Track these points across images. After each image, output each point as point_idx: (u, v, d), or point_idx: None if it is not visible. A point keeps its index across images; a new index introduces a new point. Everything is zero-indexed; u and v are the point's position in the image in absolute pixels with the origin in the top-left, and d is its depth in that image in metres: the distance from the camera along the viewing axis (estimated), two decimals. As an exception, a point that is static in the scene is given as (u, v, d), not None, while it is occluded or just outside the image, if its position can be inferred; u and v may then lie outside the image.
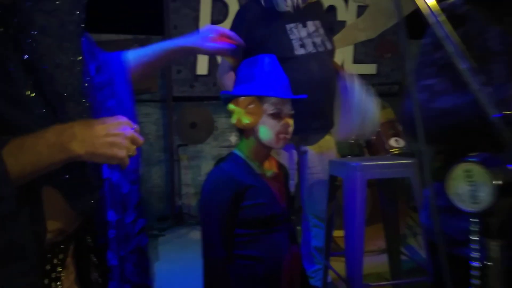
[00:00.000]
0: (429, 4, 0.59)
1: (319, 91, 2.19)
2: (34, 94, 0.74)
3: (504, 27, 1.00)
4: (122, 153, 0.77)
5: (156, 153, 4.48)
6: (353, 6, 4.58)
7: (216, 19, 4.22)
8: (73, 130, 0.73)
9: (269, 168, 1.45)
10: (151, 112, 4.42)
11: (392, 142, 3.05)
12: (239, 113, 1.36)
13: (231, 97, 1.38)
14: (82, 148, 0.72)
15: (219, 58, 4.19)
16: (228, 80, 2.30)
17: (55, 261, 0.84)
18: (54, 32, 0.77)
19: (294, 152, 2.32)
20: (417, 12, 0.64)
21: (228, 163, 1.39)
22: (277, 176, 1.46)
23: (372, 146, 3.17)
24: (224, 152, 1.47)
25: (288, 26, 2.21)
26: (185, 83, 4.31)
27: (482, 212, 0.53)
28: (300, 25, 2.24)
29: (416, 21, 0.61)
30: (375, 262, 2.86)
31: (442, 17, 0.59)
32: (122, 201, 1.09)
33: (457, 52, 0.55)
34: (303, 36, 2.22)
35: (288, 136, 1.39)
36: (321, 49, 2.25)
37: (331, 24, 2.51)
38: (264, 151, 1.42)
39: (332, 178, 2.28)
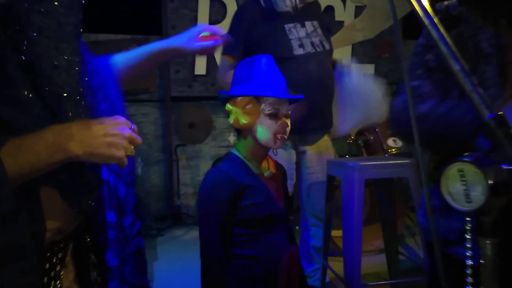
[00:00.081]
0: (423, 5, 0.60)
1: (318, 91, 2.20)
2: (32, 95, 0.74)
3: (498, 29, 1.01)
4: (120, 153, 0.77)
5: (155, 153, 4.48)
6: (351, 7, 4.59)
7: (214, 19, 4.22)
8: (71, 130, 0.73)
9: (267, 168, 1.45)
10: (150, 112, 4.42)
11: (390, 142, 3.06)
12: (237, 113, 1.36)
13: (229, 97, 1.38)
14: (80, 149, 0.73)
15: (218, 59, 4.20)
16: (229, 79, 2.32)
17: (54, 260, 0.84)
18: (51, 33, 0.77)
19: (293, 152, 2.32)
20: (414, 13, 0.65)
21: (226, 163, 1.40)
22: (274, 176, 1.47)
23: (370, 146, 3.18)
24: (223, 152, 1.48)
25: (287, 26, 2.22)
26: (184, 83, 4.31)
27: (475, 211, 0.54)
28: (299, 25, 2.25)
29: (413, 21, 0.62)
30: (373, 262, 2.87)
31: (436, 19, 0.59)
32: (119, 204, 1.09)
33: (450, 54, 0.56)
34: (301, 36, 2.23)
35: (286, 136, 1.39)
36: (319, 49, 2.26)
37: (329, 25, 2.52)
38: (261, 151, 1.42)
39: (330, 178, 2.29)
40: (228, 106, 1.38)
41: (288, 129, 1.39)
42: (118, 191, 1.11)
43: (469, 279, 0.56)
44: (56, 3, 0.78)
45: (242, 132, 1.42)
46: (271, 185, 1.42)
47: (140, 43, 4.29)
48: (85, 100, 0.87)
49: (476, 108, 0.57)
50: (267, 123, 1.35)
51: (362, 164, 2.00)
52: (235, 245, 1.35)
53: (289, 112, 1.40)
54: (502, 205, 0.54)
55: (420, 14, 0.60)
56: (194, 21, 4.20)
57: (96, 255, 0.99)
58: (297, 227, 2.76)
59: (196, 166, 4.54)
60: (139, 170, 4.24)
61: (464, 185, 0.54)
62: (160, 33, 4.18)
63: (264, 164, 1.46)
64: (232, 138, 4.49)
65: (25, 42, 0.73)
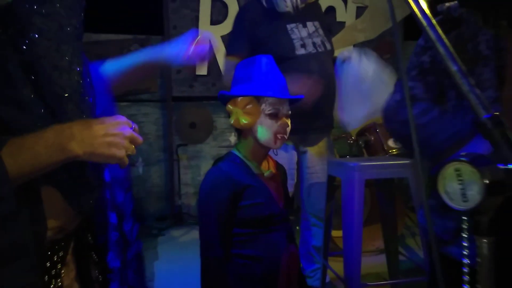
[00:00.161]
0: (421, 7, 0.61)
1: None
2: (33, 95, 0.75)
3: (497, 30, 1.02)
4: (121, 152, 0.78)
5: (156, 152, 4.49)
6: (352, 7, 4.59)
7: (216, 19, 4.23)
8: (71, 130, 0.74)
9: (267, 168, 1.46)
10: (151, 112, 4.43)
11: (391, 142, 3.07)
12: (237, 113, 1.37)
13: (229, 97, 1.39)
14: (81, 148, 0.73)
15: (219, 59, 4.20)
16: None
17: (55, 258, 0.85)
18: (52, 35, 0.77)
19: (294, 152, 2.33)
20: (412, 14, 0.65)
21: (226, 163, 1.40)
22: (275, 176, 1.47)
23: (371, 147, 3.18)
24: (224, 152, 1.48)
25: (289, 26, 2.23)
26: (185, 83, 4.32)
27: (472, 210, 0.54)
28: (300, 26, 2.25)
29: (414, 22, 0.62)
30: (373, 262, 2.87)
31: (434, 20, 0.60)
32: (118, 209, 1.10)
33: (448, 55, 0.57)
34: (303, 36, 2.24)
35: (286, 136, 1.40)
36: (321, 49, 2.26)
37: (330, 25, 2.52)
38: (262, 151, 1.43)
39: (331, 178, 2.30)
40: (229, 107, 1.39)
41: (289, 129, 1.40)
42: (116, 197, 1.11)
43: (466, 278, 0.57)
44: (57, 5, 0.78)
45: (242, 132, 1.42)
46: (271, 185, 1.42)
47: (141, 43, 4.32)
48: (86, 101, 0.87)
49: (473, 109, 0.57)
50: (267, 123, 1.36)
51: (362, 164, 2.00)
52: (235, 245, 1.35)
53: (290, 112, 1.40)
54: (498, 204, 0.55)
55: (418, 16, 0.60)
56: (195, 21, 4.20)
57: (98, 253, 0.99)
58: (297, 227, 2.76)
59: (197, 166, 4.55)
60: (140, 170, 4.25)
61: (460, 184, 0.55)
62: (162, 33, 4.19)
63: (264, 164, 1.46)
64: (233, 138, 4.50)
65: (26, 43, 0.74)
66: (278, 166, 1.55)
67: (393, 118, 1.21)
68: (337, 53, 2.40)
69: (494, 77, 1.00)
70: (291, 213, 2.89)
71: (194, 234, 3.92)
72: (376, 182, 2.51)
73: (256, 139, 1.39)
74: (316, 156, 2.37)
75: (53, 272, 0.84)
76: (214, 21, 4.22)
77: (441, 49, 0.58)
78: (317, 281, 2.42)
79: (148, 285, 2.70)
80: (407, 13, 3.60)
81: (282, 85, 1.39)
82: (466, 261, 0.57)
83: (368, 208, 3.13)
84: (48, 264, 0.83)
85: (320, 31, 2.31)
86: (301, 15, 2.26)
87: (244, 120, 1.36)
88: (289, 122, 1.40)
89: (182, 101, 4.38)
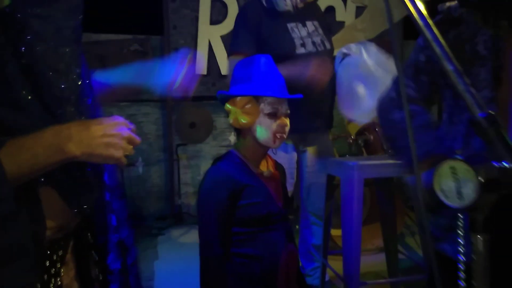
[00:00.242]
0: (418, 7, 0.61)
1: (319, 91, 2.21)
2: (31, 97, 0.75)
3: (497, 31, 1.02)
4: (118, 153, 0.78)
5: (156, 152, 4.49)
6: (351, 7, 4.60)
7: (216, 19, 4.24)
8: (69, 131, 0.74)
9: (266, 168, 1.46)
10: (151, 111, 4.43)
11: (390, 141, 3.06)
12: (236, 113, 1.37)
13: (228, 97, 1.39)
14: (79, 149, 0.74)
15: (218, 58, 4.21)
16: None
17: (55, 257, 0.85)
18: (49, 37, 0.78)
19: (294, 152, 2.33)
20: (408, 13, 0.66)
21: (225, 162, 1.41)
22: (274, 176, 1.48)
23: (370, 146, 3.18)
24: (223, 151, 1.48)
25: (289, 25, 2.23)
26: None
27: (467, 208, 0.55)
28: (300, 25, 2.26)
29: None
30: (373, 261, 2.88)
31: (430, 20, 0.61)
32: (115, 217, 1.10)
33: (443, 54, 0.57)
34: (303, 36, 2.24)
35: (285, 136, 1.40)
36: (320, 48, 2.27)
37: (330, 25, 2.52)
38: (261, 150, 1.43)
39: (330, 178, 2.30)
40: (228, 106, 1.39)
41: (287, 128, 1.40)
42: (112, 204, 1.11)
43: (462, 275, 0.57)
44: (55, 8, 0.79)
45: (241, 131, 1.43)
46: (270, 184, 1.43)
47: (141, 43, 4.31)
48: (85, 102, 0.87)
49: (469, 108, 0.58)
50: (266, 123, 1.36)
51: (361, 163, 2.00)
52: (234, 244, 1.36)
53: (288, 111, 1.41)
54: (493, 202, 0.55)
55: (414, 15, 0.61)
56: (195, 21, 4.21)
57: (98, 253, 1.00)
58: (297, 226, 2.76)
59: (196, 166, 4.55)
60: (140, 169, 4.26)
61: (456, 182, 0.55)
62: (162, 33, 4.20)
63: (263, 164, 1.47)
64: (232, 137, 4.50)
65: (24, 45, 0.74)
66: (277, 165, 1.56)
67: (384, 115, 1.23)
68: (336, 52, 2.40)
69: (491, 77, 1.01)
70: (291, 213, 2.90)
71: (194, 233, 3.93)
72: (375, 181, 2.51)
73: (255, 139, 1.39)
74: (315, 155, 2.38)
75: (52, 271, 0.85)
76: (214, 21, 4.22)
77: (437, 49, 0.58)
78: (316, 279, 2.42)
79: (148, 285, 2.71)
80: (406, 13, 3.60)
81: (281, 85, 1.39)
82: (461, 258, 0.57)
83: (367, 207, 3.14)
84: (47, 263, 0.84)
85: (320, 30, 2.31)
86: (301, 15, 2.26)
87: (243, 120, 1.36)
88: (288, 121, 1.40)
89: (182, 101, 4.38)
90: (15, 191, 0.68)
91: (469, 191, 0.54)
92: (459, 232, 0.57)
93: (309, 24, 2.29)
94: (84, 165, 0.84)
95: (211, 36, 4.21)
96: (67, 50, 0.81)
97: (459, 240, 0.58)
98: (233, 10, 4.17)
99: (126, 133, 0.80)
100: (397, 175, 2.24)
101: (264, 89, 1.35)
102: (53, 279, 0.84)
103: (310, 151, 2.38)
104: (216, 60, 4.22)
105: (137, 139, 0.83)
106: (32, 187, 0.75)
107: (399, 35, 4.63)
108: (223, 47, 4.19)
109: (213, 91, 4.28)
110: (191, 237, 3.87)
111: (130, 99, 4.25)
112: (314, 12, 2.39)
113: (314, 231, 2.43)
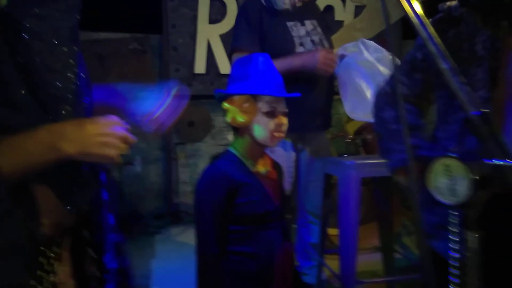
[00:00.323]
0: (413, 6, 0.62)
1: (317, 90, 2.22)
2: (28, 96, 0.75)
3: (497, 31, 1.03)
4: (113, 152, 0.78)
5: (154, 151, 4.49)
6: (350, 6, 4.60)
7: (214, 18, 4.23)
8: (64, 130, 0.74)
9: (263, 166, 1.47)
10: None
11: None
12: (234, 111, 1.38)
13: (226, 96, 1.40)
14: (73, 148, 0.74)
15: (217, 57, 4.21)
16: None
17: (50, 254, 0.85)
18: (46, 37, 0.78)
19: (292, 151, 2.34)
20: (404, 13, 0.66)
21: (223, 160, 1.41)
22: (271, 174, 1.48)
23: (368, 145, 3.19)
24: (222, 150, 1.48)
25: (289, 24, 2.24)
26: (183, 82, 4.32)
27: (460, 205, 0.55)
28: (299, 24, 2.26)
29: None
30: (370, 260, 2.88)
31: (426, 20, 0.61)
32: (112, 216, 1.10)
33: (439, 54, 0.58)
34: (302, 35, 2.25)
35: (282, 134, 1.41)
36: (319, 47, 2.27)
37: (329, 24, 2.53)
38: (258, 149, 1.44)
39: (327, 177, 2.31)
40: (225, 105, 1.40)
41: (285, 127, 1.41)
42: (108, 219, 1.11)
43: (455, 272, 0.58)
44: (51, 7, 0.79)
45: (239, 130, 1.43)
46: (267, 183, 1.43)
47: (140, 42, 4.31)
48: (81, 102, 0.87)
49: (464, 106, 0.59)
50: (264, 122, 1.36)
51: (359, 162, 2.01)
52: (230, 242, 1.37)
53: (286, 110, 1.41)
54: (486, 199, 0.56)
55: (410, 14, 0.61)
56: (194, 20, 4.21)
57: (95, 250, 1.00)
58: (293, 225, 2.77)
59: (195, 165, 4.55)
60: (138, 168, 4.25)
61: (449, 180, 0.56)
62: (160, 32, 4.19)
63: (261, 162, 1.47)
64: (231, 136, 4.50)
65: (20, 44, 0.74)
66: (275, 164, 1.56)
67: (376, 111, 1.24)
68: (334, 52, 2.40)
69: (487, 78, 1.01)
70: (289, 212, 2.90)
71: (192, 232, 3.88)
72: (372, 180, 2.52)
73: (252, 137, 1.40)
74: (313, 154, 2.38)
75: (47, 268, 0.84)
76: (213, 20, 4.23)
77: (432, 48, 0.59)
78: (313, 278, 2.43)
79: (145, 283, 2.72)
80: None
81: (279, 84, 1.40)
82: (455, 255, 0.58)
83: (365, 206, 3.14)
84: (42, 260, 0.83)
85: (318, 29, 2.32)
86: (299, 13, 2.27)
87: (240, 119, 1.37)
88: (285, 120, 1.41)
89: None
90: (9, 189, 0.68)
91: (463, 188, 0.55)
92: (453, 229, 0.58)
93: (307, 23, 2.29)
94: (79, 163, 0.84)
95: (210, 35, 4.21)
96: (64, 49, 0.81)
97: (453, 237, 0.58)
98: (232, 9, 4.17)
99: (121, 132, 0.81)
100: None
101: (261, 87, 1.35)
102: (48, 276, 0.84)
103: (309, 150, 2.39)
104: (215, 59, 4.22)
105: (132, 138, 0.83)
106: (26, 184, 0.75)
107: (398, 35, 4.63)
108: (222, 46, 4.19)
109: (212, 90, 4.22)
110: (189, 235, 3.87)
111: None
112: (313, 11, 2.40)
113: (311, 229, 2.44)
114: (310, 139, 2.37)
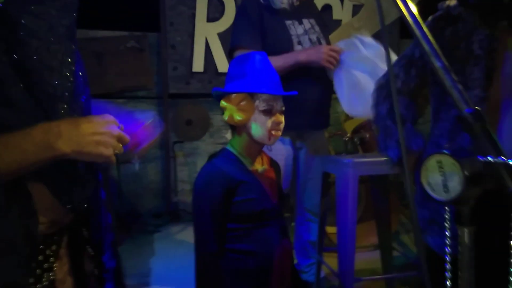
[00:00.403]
0: (408, 5, 0.62)
1: (315, 88, 2.23)
2: (24, 94, 0.75)
3: (493, 31, 1.03)
4: (108, 151, 0.78)
5: (152, 149, 4.48)
6: (348, 5, 4.61)
7: (212, 17, 4.24)
8: (59, 128, 0.74)
9: (261, 165, 1.47)
10: (147, 109, 4.43)
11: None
12: (231, 110, 1.38)
13: (223, 94, 1.40)
14: (68, 147, 0.74)
15: (215, 56, 4.21)
16: None
17: (48, 252, 0.86)
18: (42, 35, 0.78)
19: (291, 149, 2.35)
20: (399, 12, 0.67)
21: (220, 159, 1.42)
22: (268, 172, 1.49)
23: (366, 144, 3.20)
24: (220, 148, 1.48)
25: (287, 23, 2.24)
26: (181, 80, 4.32)
27: (453, 201, 0.56)
28: (296, 23, 2.27)
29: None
30: (368, 258, 2.90)
31: (420, 19, 0.62)
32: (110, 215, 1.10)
33: (432, 52, 0.59)
34: (300, 33, 2.25)
35: (280, 133, 1.41)
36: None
37: (326, 23, 2.53)
38: (256, 147, 1.44)
39: (325, 175, 2.31)
40: (223, 103, 1.40)
41: (282, 125, 1.41)
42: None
43: (448, 266, 0.59)
44: (47, 5, 0.79)
45: (236, 128, 1.44)
46: (264, 181, 1.44)
47: (138, 40, 4.30)
48: (78, 100, 0.87)
49: (456, 104, 0.59)
50: (261, 120, 1.37)
51: (356, 160, 2.02)
52: (228, 240, 1.37)
53: (283, 108, 1.42)
54: (478, 195, 0.57)
55: (404, 13, 0.62)
56: (192, 18, 4.21)
57: (93, 248, 1.00)
58: (292, 223, 2.78)
59: (193, 163, 4.56)
60: (137, 166, 4.26)
61: (442, 176, 0.57)
62: (158, 30, 4.19)
63: (258, 160, 1.48)
64: (229, 135, 4.46)
65: (16, 42, 0.74)
66: (272, 162, 1.57)
67: (373, 104, 1.25)
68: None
69: (483, 77, 1.02)
70: (287, 210, 2.91)
71: (190, 231, 3.89)
72: (370, 178, 2.53)
73: (250, 136, 1.40)
74: (312, 152, 2.39)
75: (45, 265, 0.85)
76: (211, 18, 4.23)
77: (425, 46, 0.59)
78: (312, 276, 2.44)
79: (144, 281, 2.72)
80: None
81: (276, 82, 1.40)
82: (447, 249, 0.59)
83: (363, 204, 3.15)
84: (40, 258, 0.84)
85: (316, 28, 2.32)
86: (297, 12, 2.28)
87: (238, 117, 1.37)
88: (283, 118, 1.41)
89: (178, 98, 4.38)
90: (4, 187, 0.69)
91: (455, 184, 0.55)
92: (446, 224, 0.59)
93: (305, 21, 2.30)
94: (76, 161, 0.84)
95: (208, 33, 4.22)
96: (60, 47, 0.81)
97: (446, 233, 0.59)
98: (230, 7, 4.17)
99: (116, 131, 0.81)
100: (392, 172, 2.26)
101: (259, 86, 1.36)
102: (45, 274, 0.84)
103: (307, 148, 2.40)
104: (213, 57, 4.22)
105: (127, 138, 0.83)
106: (23, 182, 0.75)
107: (395, 34, 4.64)
108: (220, 45, 4.20)
109: (210, 89, 4.20)
110: (188, 234, 3.88)
111: (127, 96, 4.26)
112: (311, 10, 2.40)
113: (309, 227, 2.45)
114: (308, 137, 2.38)
